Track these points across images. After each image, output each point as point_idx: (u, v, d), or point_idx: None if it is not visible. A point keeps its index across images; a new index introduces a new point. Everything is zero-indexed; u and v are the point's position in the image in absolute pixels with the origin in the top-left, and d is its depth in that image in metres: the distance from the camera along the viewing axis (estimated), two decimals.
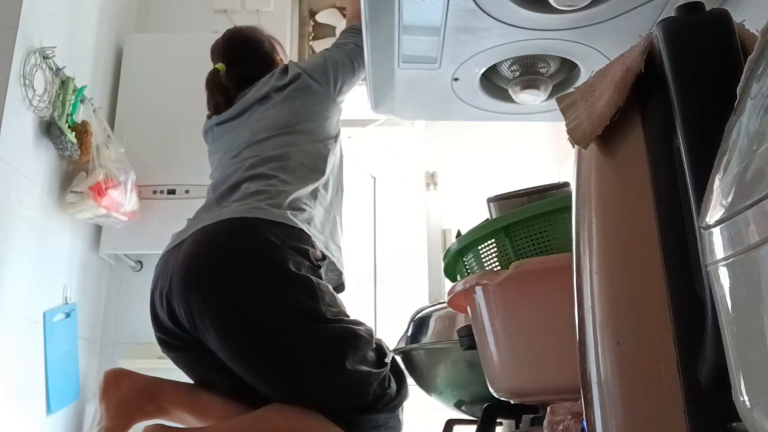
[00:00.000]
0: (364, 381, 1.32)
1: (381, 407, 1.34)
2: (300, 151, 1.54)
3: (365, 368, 1.32)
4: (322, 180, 1.54)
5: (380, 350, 1.39)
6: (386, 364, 1.38)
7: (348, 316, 1.39)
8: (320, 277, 1.39)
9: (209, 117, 1.78)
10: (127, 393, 1.38)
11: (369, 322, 2.61)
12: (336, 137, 1.64)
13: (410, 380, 1.43)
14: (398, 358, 1.43)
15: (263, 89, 1.65)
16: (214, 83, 1.77)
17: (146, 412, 1.39)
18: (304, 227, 1.40)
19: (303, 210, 1.44)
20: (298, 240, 1.38)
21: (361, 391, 1.32)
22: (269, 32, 1.86)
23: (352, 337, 1.34)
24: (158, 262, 1.46)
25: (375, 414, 1.34)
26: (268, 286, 1.31)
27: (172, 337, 1.40)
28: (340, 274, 1.53)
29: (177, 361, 1.47)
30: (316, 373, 1.30)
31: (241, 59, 1.79)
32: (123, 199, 2.09)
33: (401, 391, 1.39)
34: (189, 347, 1.40)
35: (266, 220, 1.37)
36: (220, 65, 1.78)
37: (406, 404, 1.43)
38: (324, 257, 1.44)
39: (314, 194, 1.50)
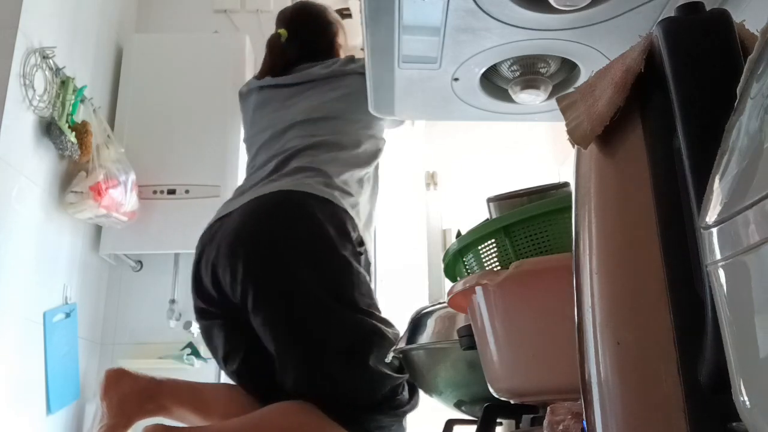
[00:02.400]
0: (381, 381, 1.33)
1: (388, 410, 1.35)
2: (353, 139, 1.57)
3: (386, 370, 1.33)
4: (369, 171, 1.57)
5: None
6: (404, 373, 1.38)
7: (379, 311, 1.42)
8: (360, 264, 1.42)
9: (257, 77, 1.78)
10: (128, 392, 1.38)
11: None
12: (382, 138, 1.66)
13: None
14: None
15: (328, 69, 1.66)
16: (277, 47, 1.78)
17: (147, 411, 1.39)
18: (350, 210, 1.43)
19: (350, 194, 1.48)
20: (343, 222, 1.42)
21: (375, 390, 1.33)
22: (337, 17, 1.87)
23: (379, 336, 1.35)
24: (204, 232, 1.50)
25: (380, 415, 1.35)
26: (312, 261, 1.35)
27: (212, 304, 1.45)
28: (369, 265, 1.55)
29: (209, 331, 1.50)
30: (339, 360, 1.32)
31: (305, 33, 1.80)
32: (123, 199, 2.09)
33: (411, 400, 1.40)
34: (225, 317, 1.44)
35: (315, 197, 1.41)
36: (282, 31, 1.79)
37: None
38: (363, 244, 1.45)
39: (360, 182, 1.54)
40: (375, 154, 1.61)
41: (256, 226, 1.39)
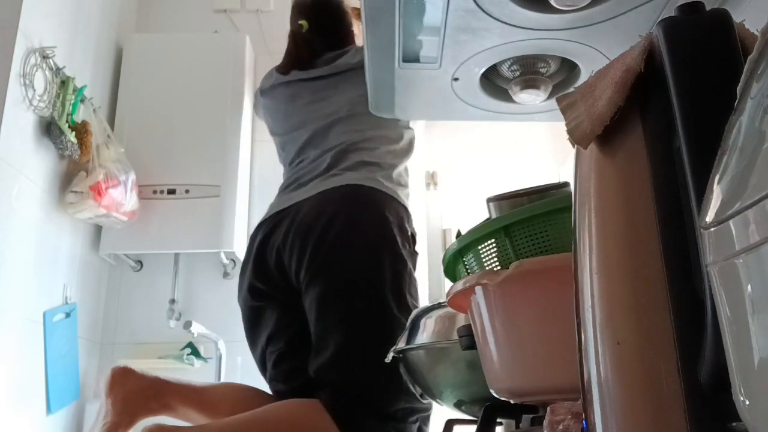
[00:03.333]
0: (401, 393, 1.34)
1: (393, 428, 1.35)
2: (397, 132, 1.60)
3: (410, 385, 1.34)
4: (408, 158, 1.61)
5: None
6: (425, 402, 1.40)
7: None
8: (414, 265, 1.47)
9: (281, 72, 1.76)
10: (132, 389, 1.38)
11: None
12: (412, 128, 1.67)
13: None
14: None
15: (356, 59, 1.65)
16: (301, 38, 1.77)
17: (151, 409, 1.39)
18: (407, 206, 1.49)
19: (405, 186, 1.53)
20: (403, 218, 1.47)
21: (392, 399, 1.34)
22: (349, 5, 1.85)
23: None
24: (264, 220, 1.55)
25: (384, 429, 1.35)
26: (376, 257, 1.40)
27: (271, 285, 1.51)
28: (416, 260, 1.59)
29: (261, 311, 1.54)
30: (373, 357, 1.31)
31: (325, 23, 1.79)
32: (123, 199, 2.09)
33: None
34: (280, 299, 1.50)
35: (383, 192, 1.46)
36: (303, 22, 1.78)
37: None
38: (416, 241, 1.50)
39: (408, 174, 1.59)
40: (412, 144, 1.64)
41: (328, 217, 1.43)
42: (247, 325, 1.59)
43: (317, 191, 1.48)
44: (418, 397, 1.37)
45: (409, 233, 1.47)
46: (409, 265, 1.44)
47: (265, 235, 1.53)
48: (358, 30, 1.82)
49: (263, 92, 1.81)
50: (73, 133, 1.99)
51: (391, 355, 1.43)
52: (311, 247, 1.41)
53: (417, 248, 1.52)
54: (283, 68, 1.77)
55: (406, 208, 1.49)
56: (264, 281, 1.53)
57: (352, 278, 1.39)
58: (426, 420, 1.43)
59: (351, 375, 1.34)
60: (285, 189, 1.60)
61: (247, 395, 1.44)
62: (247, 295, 1.56)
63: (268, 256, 1.50)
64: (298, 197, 1.51)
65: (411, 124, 1.68)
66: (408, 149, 1.62)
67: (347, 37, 1.78)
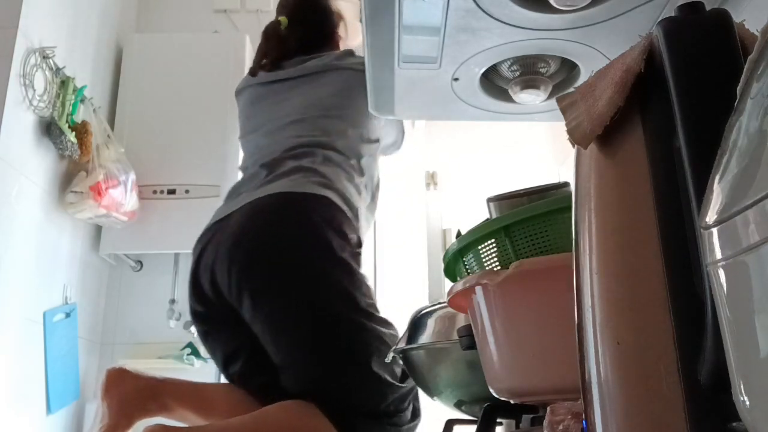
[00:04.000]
0: (383, 389, 1.32)
1: (388, 423, 1.34)
2: (346, 140, 1.54)
3: (387, 377, 1.33)
4: (362, 176, 1.55)
5: (403, 369, 1.39)
6: (408, 382, 1.37)
7: (378, 311, 1.41)
8: (359, 265, 1.42)
9: (250, 73, 1.71)
10: (129, 391, 1.38)
11: None
12: (377, 143, 1.61)
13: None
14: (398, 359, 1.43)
15: (323, 62, 1.61)
16: (275, 35, 1.70)
17: (148, 411, 1.39)
18: (348, 212, 1.43)
19: (348, 195, 1.47)
20: (341, 223, 1.41)
21: (378, 398, 1.32)
22: (339, 7, 1.78)
23: (379, 341, 1.35)
24: (201, 235, 1.48)
25: (379, 427, 1.34)
26: (311, 266, 1.35)
27: (210, 307, 1.43)
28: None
29: (208, 335, 1.49)
30: (341, 363, 1.31)
31: (306, 21, 1.72)
32: (123, 199, 2.09)
33: (414, 420, 1.39)
34: (224, 320, 1.43)
35: (314, 196, 1.39)
36: (282, 18, 1.71)
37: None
38: (361, 245, 1.46)
39: (357, 187, 1.52)
40: (369, 160, 1.56)
41: (254, 231, 1.37)
42: (204, 346, 1.54)
43: (246, 201, 1.41)
44: (394, 381, 1.34)
45: (350, 236, 1.40)
46: (352, 265, 1.38)
47: (198, 254, 1.45)
48: (345, 34, 1.77)
49: (236, 94, 1.76)
50: (73, 133, 1.99)
51: (390, 355, 1.43)
52: (240, 265, 1.35)
53: (359, 250, 1.45)
54: (252, 69, 1.72)
55: (344, 213, 1.41)
56: (203, 303, 1.45)
57: (293, 294, 1.33)
58: (416, 396, 1.40)
59: (330, 388, 1.31)
60: (227, 197, 1.54)
61: (245, 396, 1.43)
62: (193, 318, 1.49)
63: (202, 277, 1.42)
64: (232, 207, 1.44)
65: (378, 137, 1.61)
66: (361, 162, 1.54)
67: (328, 39, 1.71)
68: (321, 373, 1.32)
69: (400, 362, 1.37)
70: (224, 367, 1.47)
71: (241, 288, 1.34)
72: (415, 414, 1.40)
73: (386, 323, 1.41)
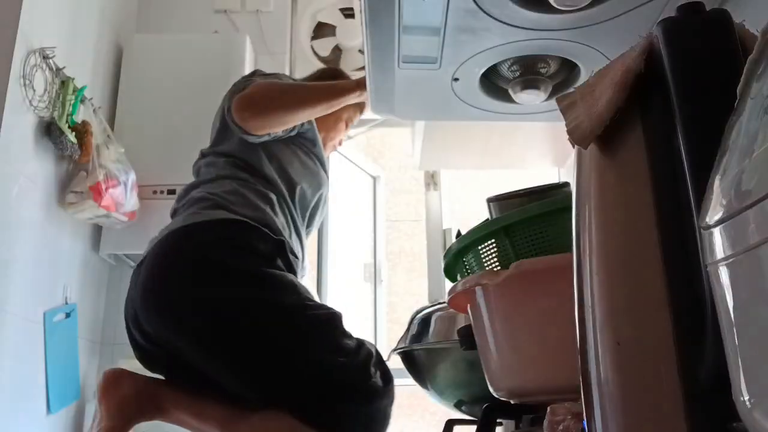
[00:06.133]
0: (338, 370, 1.30)
1: (364, 399, 1.31)
2: (232, 150, 1.54)
3: (336, 358, 1.31)
4: (259, 176, 1.51)
5: (358, 341, 1.38)
6: (362, 350, 1.36)
7: (311, 301, 1.38)
8: (272, 266, 1.37)
9: None
10: (126, 393, 1.37)
11: (369, 322, 2.58)
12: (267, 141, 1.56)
13: (410, 380, 1.43)
14: (398, 358, 1.43)
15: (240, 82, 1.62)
16: None
17: (146, 413, 1.38)
18: (252, 221, 1.39)
19: (248, 207, 1.43)
20: (234, 236, 1.37)
21: (338, 381, 1.30)
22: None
23: (317, 324, 1.34)
24: (133, 271, 1.46)
25: (357, 406, 1.32)
26: (214, 293, 1.32)
27: (151, 353, 1.41)
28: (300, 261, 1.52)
29: (161, 372, 1.46)
30: (283, 366, 1.30)
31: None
32: (123, 199, 2.09)
33: (387, 384, 1.36)
34: (168, 359, 1.40)
35: (202, 224, 1.38)
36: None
37: (397, 404, 1.41)
38: (278, 243, 1.41)
39: (253, 188, 1.48)
40: (259, 160, 1.53)
41: (154, 282, 1.36)
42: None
43: (155, 242, 1.42)
44: (345, 359, 1.32)
45: (259, 248, 1.37)
46: (261, 270, 1.35)
47: (126, 304, 1.44)
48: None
49: None
50: (73, 133, 1.98)
51: (390, 354, 1.43)
52: (153, 326, 1.35)
53: (285, 257, 1.41)
54: None
55: (247, 225, 1.38)
56: (141, 351, 1.43)
57: (209, 333, 1.31)
58: (379, 360, 1.39)
59: (289, 398, 1.30)
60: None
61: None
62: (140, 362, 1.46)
63: (133, 330, 1.41)
64: (149, 247, 1.44)
65: (270, 150, 1.55)
66: (248, 171, 1.51)
67: None
68: (271, 389, 1.30)
69: (344, 330, 1.35)
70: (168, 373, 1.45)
71: (165, 338, 1.34)
72: (387, 378, 1.37)
73: (322, 306, 1.39)
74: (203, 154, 1.61)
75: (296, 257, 1.47)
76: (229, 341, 1.31)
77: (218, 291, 1.32)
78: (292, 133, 1.56)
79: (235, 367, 1.33)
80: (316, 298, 1.47)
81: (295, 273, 1.44)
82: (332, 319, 1.37)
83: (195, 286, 1.33)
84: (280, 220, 1.46)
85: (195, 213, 1.42)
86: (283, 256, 1.41)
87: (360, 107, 1.74)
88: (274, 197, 1.49)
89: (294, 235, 1.52)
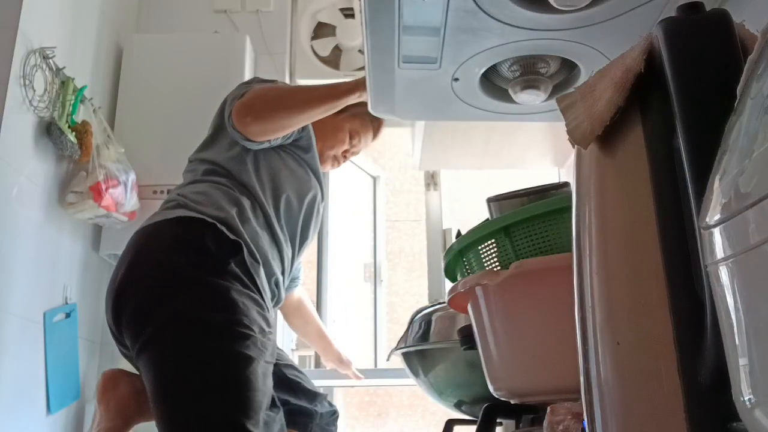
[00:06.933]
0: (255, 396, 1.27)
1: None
2: (214, 157, 1.54)
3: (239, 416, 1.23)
4: (228, 175, 1.50)
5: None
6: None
7: (240, 326, 1.29)
8: (222, 267, 1.32)
9: None
10: (125, 394, 1.37)
11: (369, 322, 2.58)
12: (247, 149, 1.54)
13: (410, 380, 1.43)
14: (399, 358, 1.43)
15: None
16: None
17: (145, 413, 1.38)
18: (209, 219, 1.36)
19: (203, 202, 1.42)
20: (186, 231, 1.36)
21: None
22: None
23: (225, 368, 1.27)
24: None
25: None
26: (148, 303, 1.31)
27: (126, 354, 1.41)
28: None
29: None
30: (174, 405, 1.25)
31: None
32: (123, 199, 2.09)
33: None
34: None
35: (159, 223, 1.39)
36: None
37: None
38: (235, 245, 1.36)
39: (218, 186, 1.48)
40: (235, 165, 1.51)
41: (110, 284, 1.39)
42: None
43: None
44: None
45: (202, 244, 1.34)
46: (209, 279, 1.31)
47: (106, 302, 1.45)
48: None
49: None
50: (73, 133, 1.98)
51: (390, 354, 1.43)
52: (106, 305, 1.37)
53: (236, 256, 1.36)
54: None
55: (199, 220, 1.35)
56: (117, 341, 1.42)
57: (135, 336, 1.30)
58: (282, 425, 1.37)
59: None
60: None
61: None
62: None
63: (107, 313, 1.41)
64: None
65: (250, 157, 1.53)
66: (224, 175, 1.51)
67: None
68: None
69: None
70: None
71: (124, 333, 1.34)
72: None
73: (249, 335, 1.30)
74: (189, 161, 1.62)
75: (259, 263, 1.41)
76: (149, 355, 1.28)
77: (151, 301, 1.31)
78: (288, 141, 1.55)
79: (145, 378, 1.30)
80: (270, 317, 1.41)
81: (253, 278, 1.37)
82: (247, 360, 1.27)
83: (136, 295, 1.33)
84: (250, 226, 1.42)
85: (156, 214, 1.44)
86: (238, 258, 1.35)
87: (373, 126, 1.72)
88: (246, 203, 1.45)
89: (271, 244, 1.47)
